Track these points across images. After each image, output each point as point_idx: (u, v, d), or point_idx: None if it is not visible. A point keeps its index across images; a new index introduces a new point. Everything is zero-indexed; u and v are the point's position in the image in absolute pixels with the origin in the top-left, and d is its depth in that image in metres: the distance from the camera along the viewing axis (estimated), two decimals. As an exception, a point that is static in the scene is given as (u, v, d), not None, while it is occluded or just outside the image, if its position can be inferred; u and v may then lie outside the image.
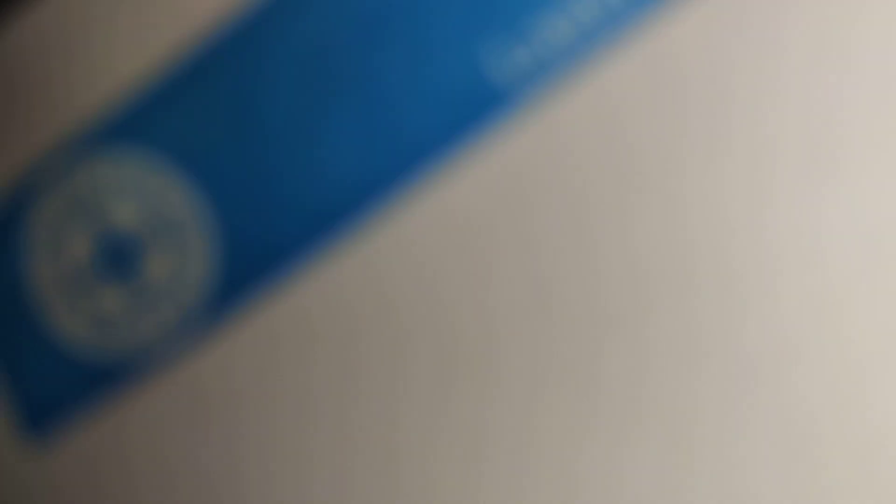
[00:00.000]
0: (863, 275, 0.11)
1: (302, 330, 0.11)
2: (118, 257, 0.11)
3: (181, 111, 0.10)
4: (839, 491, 0.11)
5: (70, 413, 0.11)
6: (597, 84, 0.10)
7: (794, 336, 0.10)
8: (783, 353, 0.11)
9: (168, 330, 0.11)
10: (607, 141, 0.10)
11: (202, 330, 0.11)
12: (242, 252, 0.11)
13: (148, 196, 0.11)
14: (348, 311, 0.10)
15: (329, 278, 0.10)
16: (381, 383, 0.10)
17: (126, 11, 0.10)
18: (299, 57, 0.10)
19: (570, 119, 0.10)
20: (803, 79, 0.10)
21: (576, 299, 0.10)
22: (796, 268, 0.10)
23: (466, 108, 0.10)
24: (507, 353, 0.10)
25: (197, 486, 0.11)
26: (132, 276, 0.11)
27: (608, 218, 0.10)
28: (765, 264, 0.10)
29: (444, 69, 0.10)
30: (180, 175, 0.11)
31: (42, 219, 0.11)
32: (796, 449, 0.10)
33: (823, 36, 0.10)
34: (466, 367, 0.10)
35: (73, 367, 0.11)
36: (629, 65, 0.09)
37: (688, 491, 0.11)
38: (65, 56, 0.10)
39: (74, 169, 0.11)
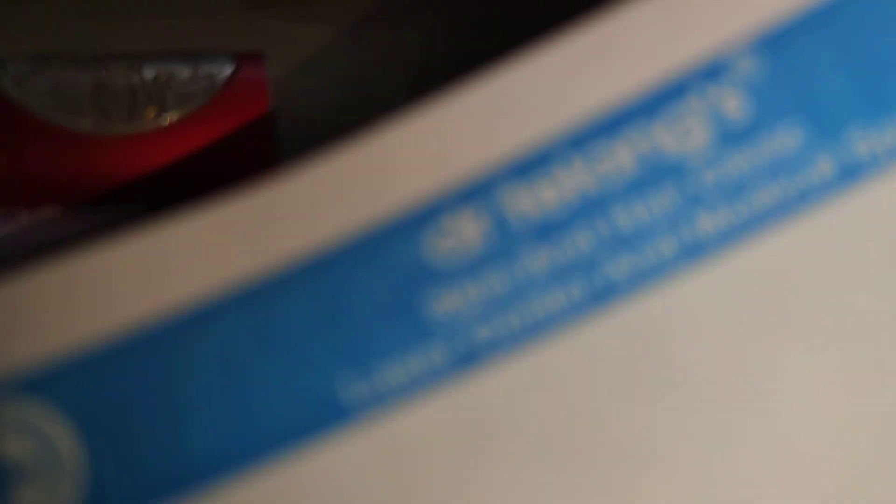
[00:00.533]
0: None
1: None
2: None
3: (93, 378, 0.13)
4: None
5: None
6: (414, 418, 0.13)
7: None
8: None
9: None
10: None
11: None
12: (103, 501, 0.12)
13: (41, 437, 0.13)
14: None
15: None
16: None
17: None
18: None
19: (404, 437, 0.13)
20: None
21: None
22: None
23: (314, 419, 0.13)
24: None
25: None
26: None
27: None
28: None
29: (303, 386, 0.13)
30: (70, 423, 0.13)
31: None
32: None
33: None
34: None
35: None
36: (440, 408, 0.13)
37: None
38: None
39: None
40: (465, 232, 0.13)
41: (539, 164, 0.13)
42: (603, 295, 0.13)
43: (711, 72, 0.13)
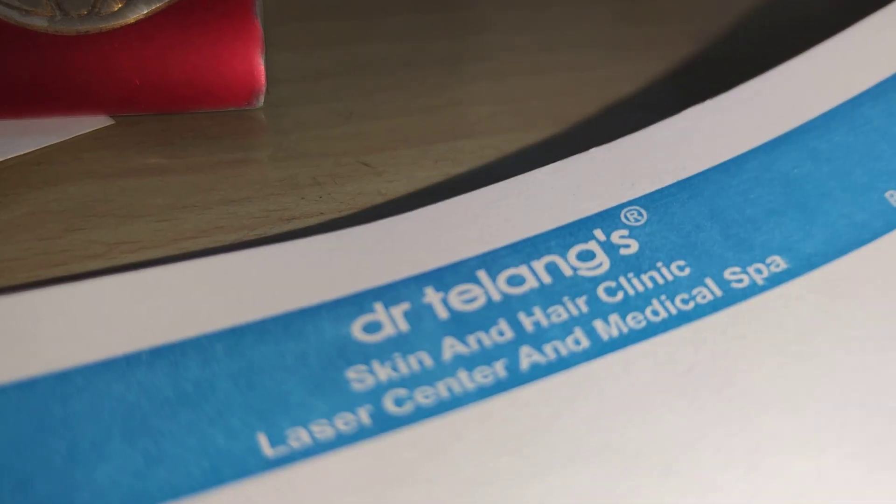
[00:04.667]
0: None
1: None
2: None
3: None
4: None
5: None
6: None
7: None
8: None
9: None
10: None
11: None
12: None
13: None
14: None
15: None
16: None
17: None
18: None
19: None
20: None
21: None
22: None
23: (237, 469, 0.14)
24: None
25: None
26: None
27: None
28: None
29: (227, 439, 0.14)
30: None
31: None
32: None
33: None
34: None
35: None
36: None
37: None
38: None
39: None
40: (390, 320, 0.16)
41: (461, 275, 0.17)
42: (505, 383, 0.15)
43: (608, 219, 0.18)
